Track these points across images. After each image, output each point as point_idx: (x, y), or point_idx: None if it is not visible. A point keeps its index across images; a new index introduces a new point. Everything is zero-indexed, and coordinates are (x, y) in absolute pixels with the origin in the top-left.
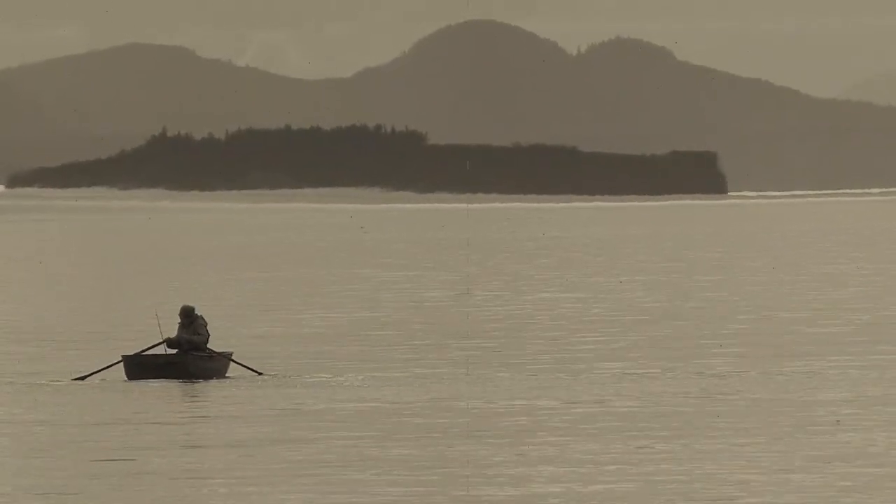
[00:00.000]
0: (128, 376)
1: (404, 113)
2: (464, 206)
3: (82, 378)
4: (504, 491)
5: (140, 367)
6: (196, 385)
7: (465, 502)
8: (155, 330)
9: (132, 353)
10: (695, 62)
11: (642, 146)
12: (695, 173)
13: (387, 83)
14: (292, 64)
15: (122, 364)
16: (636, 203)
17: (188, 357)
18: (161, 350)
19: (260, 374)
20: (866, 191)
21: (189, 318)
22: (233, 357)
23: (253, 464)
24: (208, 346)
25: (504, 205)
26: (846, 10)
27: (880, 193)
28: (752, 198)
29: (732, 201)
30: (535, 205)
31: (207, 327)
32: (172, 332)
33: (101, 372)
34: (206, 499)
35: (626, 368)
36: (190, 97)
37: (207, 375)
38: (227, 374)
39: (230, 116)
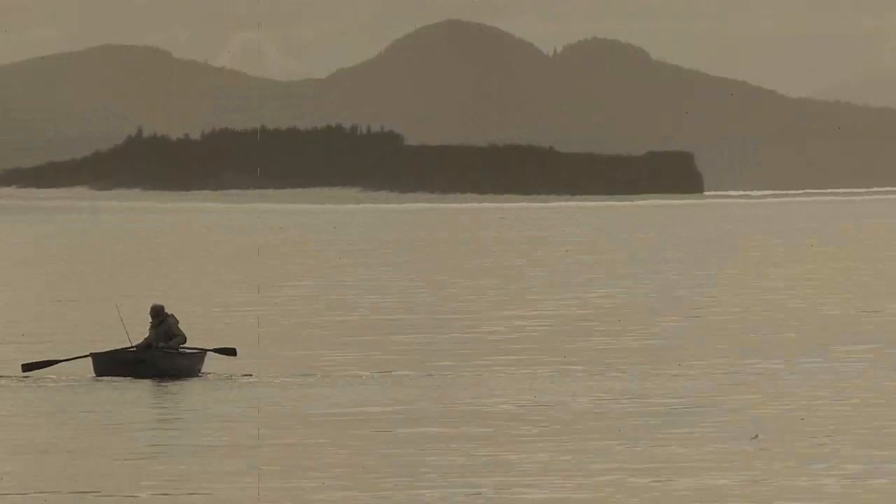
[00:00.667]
0: (96, 373)
1: (380, 113)
2: (440, 206)
3: (40, 365)
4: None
5: (109, 363)
6: (165, 384)
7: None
8: (121, 328)
9: (101, 351)
10: (670, 62)
11: (618, 146)
12: (671, 173)
13: (363, 84)
14: (268, 64)
15: (90, 360)
16: (612, 203)
17: (158, 354)
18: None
19: (231, 353)
20: (843, 191)
21: (159, 317)
22: (206, 350)
23: (225, 463)
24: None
25: (480, 205)
26: (823, 11)
27: (857, 193)
28: (728, 198)
29: (708, 201)
30: (511, 205)
31: (179, 325)
32: (143, 332)
33: (66, 363)
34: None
35: (591, 370)
36: (166, 98)
37: (178, 374)
38: (199, 373)
39: (206, 117)
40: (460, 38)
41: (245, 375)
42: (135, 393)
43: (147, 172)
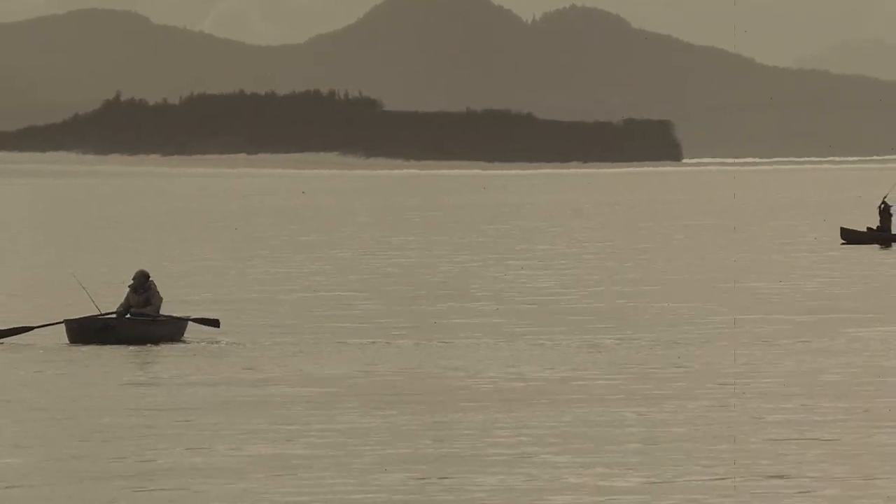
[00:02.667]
0: (70, 340)
1: (359, 79)
2: (416, 172)
3: (13, 332)
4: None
5: (82, 330)
6: (142, 349)
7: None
8: (102, 297)
9: (75, 318)
10: (650, 30)
11: (597, 114)
12: (650, 141)
13: (341, 49)
14: (248, 30)
15: (63, 327)
16: (590, 170)
17: (133, 321)
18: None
19: (214, 323)
20: (821, 159)
21: (143, 283)
22: (191, 318)
23: (195, 430)
24: (161, 311)
25: (457, 171)
26: None
27: (834, 162)
28: (705, 165)
29: (687, 169)
30: (489, 171)
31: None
32: (117, 298)
33: (41, 329)
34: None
35: (543, 339)
36: (145, 63)
37: (152, 341)
38: (180, 339)
39: (184, 82)
40: (438, 4)
41: (229, 343)
42: (104, 360)
43: (125, 137)
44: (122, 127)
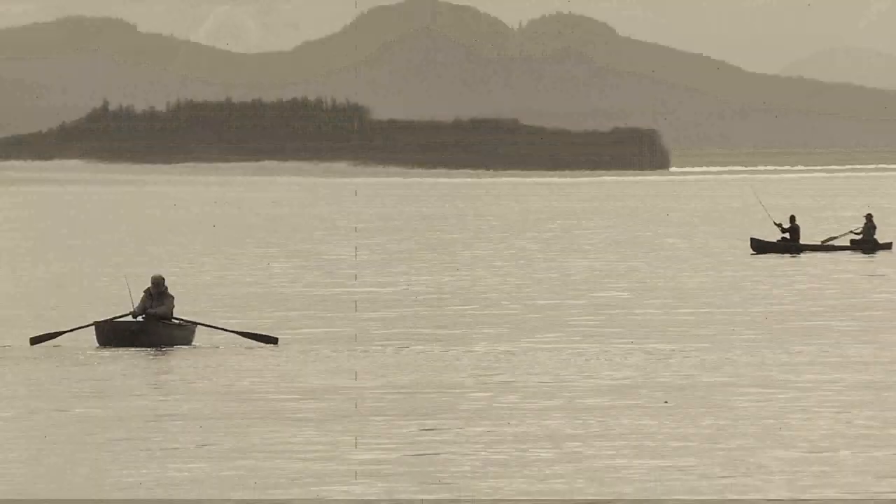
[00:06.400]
0: (99, 342)
1: (346, 87)
2: (402, 180)
3: (47, 337)
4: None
5: (111, 333)
6: (164, 352)
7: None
8: (124, 297)
9: (104, 320)
10: (636, 38)
11: (584, 122)
12: (638, 149)
13: (329, 57)
14: (235, 38)
15: (92, 329)
16: (577, 179)
17: (158, 325)
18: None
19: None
20: (810, 168)
21: (158, 288)
22: (210, 324)
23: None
24: (174, 315)
25: (445, 180)
26: None
27: (822, 170)
28: (692, 174)
29: (674, 178)
30: (475, 179)
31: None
32: (135, 301)
33: (69, 333)
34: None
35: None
36: (132, 71)
37: (174, 343)
38: (193, 343)
39: (171, 90)
40: (425, 12)
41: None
42: (136, 361)
43: (112, 145)
44: (110, 135)
